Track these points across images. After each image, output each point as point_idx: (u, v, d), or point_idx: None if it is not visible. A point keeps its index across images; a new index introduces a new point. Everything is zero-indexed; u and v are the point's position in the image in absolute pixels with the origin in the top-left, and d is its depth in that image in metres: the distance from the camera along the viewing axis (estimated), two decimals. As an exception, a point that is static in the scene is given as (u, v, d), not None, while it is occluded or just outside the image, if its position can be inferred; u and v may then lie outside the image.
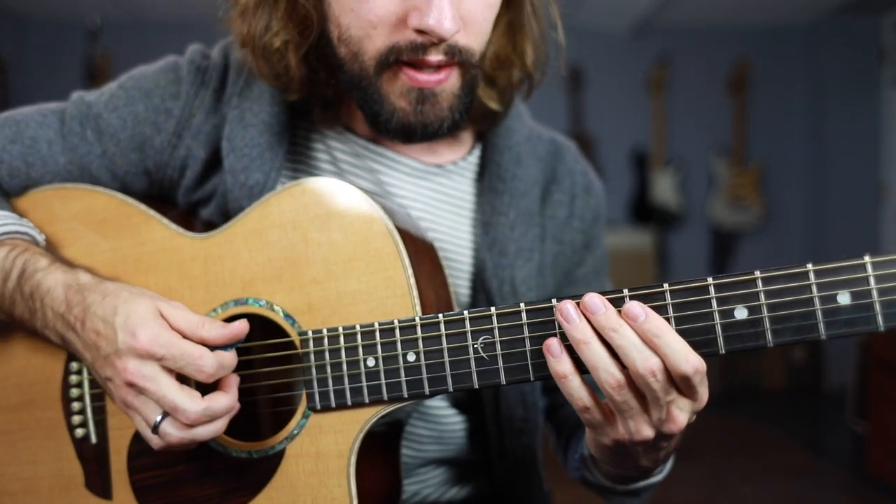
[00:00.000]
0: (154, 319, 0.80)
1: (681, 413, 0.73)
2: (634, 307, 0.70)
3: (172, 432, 0.80)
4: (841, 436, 4.63)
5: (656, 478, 0.96)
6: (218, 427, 0.81)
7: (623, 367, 0.71)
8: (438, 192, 1.06)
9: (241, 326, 0.83)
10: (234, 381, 0.84)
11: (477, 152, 1.10)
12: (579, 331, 0.71)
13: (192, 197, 1.02)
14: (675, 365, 0.69)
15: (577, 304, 0.73)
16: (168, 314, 0.82)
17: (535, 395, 1.05)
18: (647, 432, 0.74)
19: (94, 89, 1.06)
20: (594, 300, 0.71)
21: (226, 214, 0.98)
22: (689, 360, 0.69)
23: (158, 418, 0.79)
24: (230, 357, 0.82)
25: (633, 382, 0.71)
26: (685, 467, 4.26)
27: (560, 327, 0.74)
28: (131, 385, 0.79)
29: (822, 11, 5.53)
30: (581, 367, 0.73)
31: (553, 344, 0.73)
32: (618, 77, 5.77)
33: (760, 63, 5.81)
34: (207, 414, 0.79)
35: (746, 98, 5.79)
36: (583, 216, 1.12)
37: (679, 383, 0.71)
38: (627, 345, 0.70)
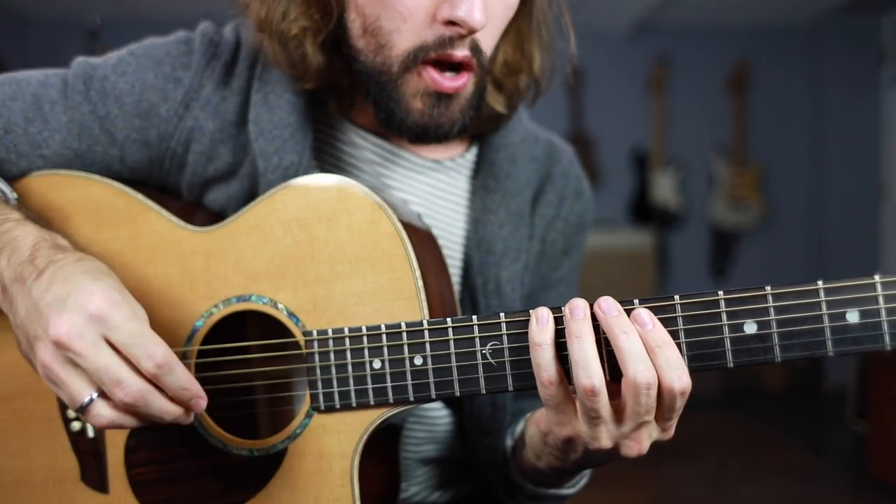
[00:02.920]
0: (118, 293, 0.73)
1: (648, 438, 0.74)
2: (643, 314, 0.71)
3: (105, 413, 0.73)
4: (841, 436, 4.63)
5: (567, 490, 0.97)
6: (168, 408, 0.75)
7: (603, 377, 0.71)
8: (435, 187, 1.06)
9: (199, 396, 0.76)
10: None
11: (475, 150, 1.10)
12: (579, 325, 0.71)
13: (203, 173, 0.98)
14: (669, 380, 0.69)
15: (591, 304, 0.73)
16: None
17: (506, 396, 1.04)
18: (606, 442, 0.74)
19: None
20: (610, 302, 0.72)
21: (253, 197, 0.96)
22: (682, 379, 0.70)
23: (94, 395, 0.73)
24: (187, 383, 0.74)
25: (607, 394, 0.71)
26: (685, 467, 4.27)
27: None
28: (63, 348, 0.70)
29: (822, 11, 5.54)
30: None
31: (542, 312, 0.74)
32: (618, 77, 5.78)
33: (760, 63, 5.82)
34: (143, 397, 0.72)
35: (746, 98, 5.80)
36: (567, 219, 1.12)
37: (664, 402, 0.71)
38: (633, 350, 0.70)
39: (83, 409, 0.73)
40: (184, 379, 0.74)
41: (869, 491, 3.72)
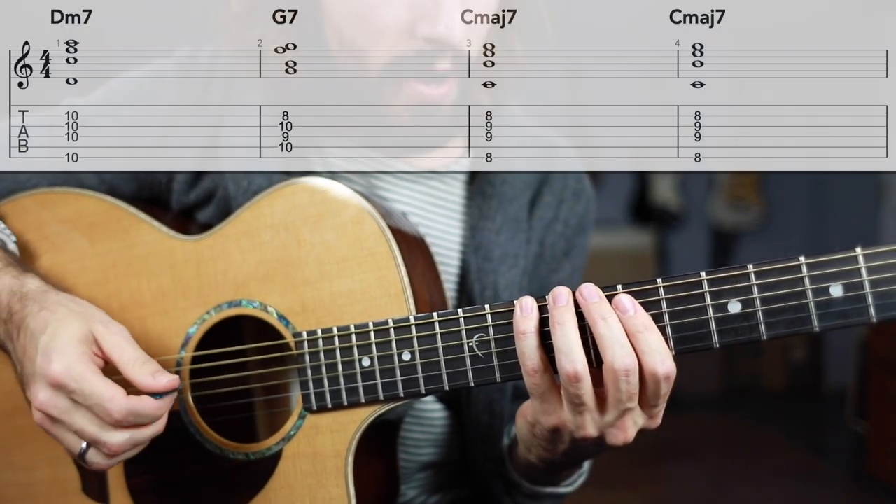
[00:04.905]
0: (76, 346, 0.77)
1: (633, 426, 0.74)
2: (624, 300, 0.71)
3: (99, 461, 0.78)
4: (841, 436, 4.63)
5: (564, 489, 0.97)
6: (144, 441, 0.80)
7: (586, 363, 0.71)
8: (431, 195, 1.06)
9: (173, 382, 0.78)
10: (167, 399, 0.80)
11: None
12: (562, 313, 0.72)
13: (186, 200, 1.01)
14: (651, 364, 0.70)
15: (573, 292, 0.73)
16: (103, 339, 0.79)
17: (504, 404, 1.04)
18: (591, 430, 0.74)
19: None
20: (591, 289, 0.72)
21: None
22: (665, 363, 0.70)
23: (84, 447, 0.77)
24: (151, 406, 0.77)
25: (592, 379, 0.72)
26: (685, 467, 4.27)
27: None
28: (45, 414, 0.77)
29: (821, 11, 5.54)
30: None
31: (527, 300, 0.74)
32: (617, 77, 5.78)
33: (759, 63, 5.81)
34: (131, 443, 0.78)
35: (745, 98, 5.80)
36: (567, 221, 1.11)
37: (648, 388, 0.71)
38: (612, 336, 0.70)
39: (82, 458, 0.78)
40: (150, 409, 0.77)
41: (869, 491, 3.72)
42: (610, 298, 0.72)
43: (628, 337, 0.71)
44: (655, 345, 0.70)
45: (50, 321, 0.78)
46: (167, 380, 0.78)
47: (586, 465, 0.98)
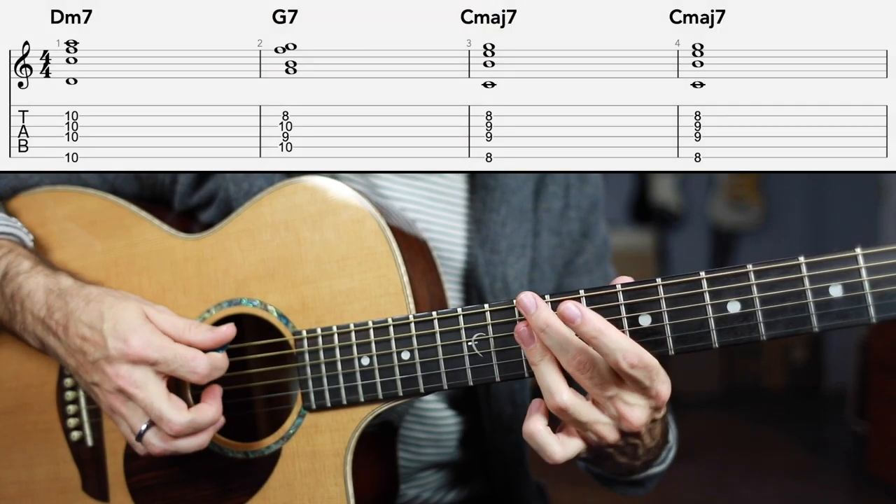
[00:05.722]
0: (143, 324, 0.81)
1: (630, 409, 0.72)
2: (570, 309, 0.69)
3: (155, 442, 0.81)
4: (841, 436, 4.63)
5: (657, 468, 0.96)
6: (201, 441, 0.82)
7: (571, 389, 0.72)
8: (431, 190, 1.07)
9: (229, 330, 0.84)
10: (218, 393, 0.85)
11: None
12: (532, 353, 0.73)
13: (189, 202, 1.02)
14: (614, 363, 0.69)
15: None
16: (154, 318, 0.83)
17: (525, 393, 1.05)
18: (611, 435, 0.73)
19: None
20: (527, 299, 0.71)
21: None
22: (626, 357, 0.68)
23: (143, 427, 0.81)
24: (221, 358, 0.83)
25: (580, 401, 0.72)
26: (685, 467, 4.25)
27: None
28: (121, 391, 0.80)
29: (821, 11, 5.54)
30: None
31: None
32: (617, 77, 5.78)
33: (760, 63, 5.81)
34: (192, 426, 0.80)
35: (746, 98, 5.80)
36: (579, 205, 1.13)
37: (624, 379, 0.70)
38: (555, 346, 0.71)
39: (140, 438, 0.81)
40: (222, 360, 0.84)
41: (869, 491, 3.73)
42: (607, 298, 0.72)
43: (587, 342, 0.70)
44: (612, 343, 0.68)
45: (104, 310, 0.82)
46: (224, 330, 0.84)
47: (671, 437, 0.96)
